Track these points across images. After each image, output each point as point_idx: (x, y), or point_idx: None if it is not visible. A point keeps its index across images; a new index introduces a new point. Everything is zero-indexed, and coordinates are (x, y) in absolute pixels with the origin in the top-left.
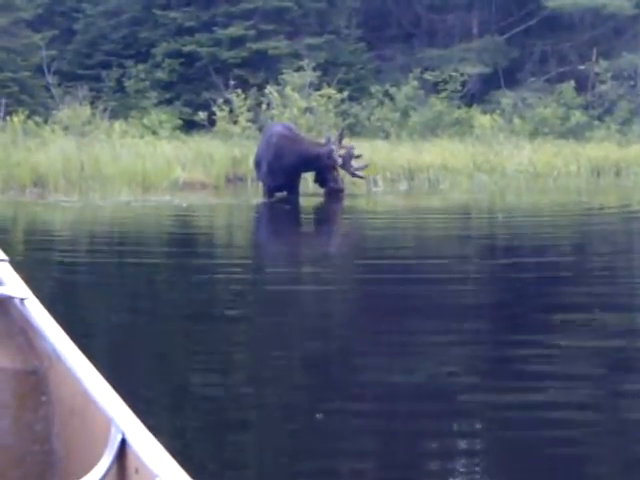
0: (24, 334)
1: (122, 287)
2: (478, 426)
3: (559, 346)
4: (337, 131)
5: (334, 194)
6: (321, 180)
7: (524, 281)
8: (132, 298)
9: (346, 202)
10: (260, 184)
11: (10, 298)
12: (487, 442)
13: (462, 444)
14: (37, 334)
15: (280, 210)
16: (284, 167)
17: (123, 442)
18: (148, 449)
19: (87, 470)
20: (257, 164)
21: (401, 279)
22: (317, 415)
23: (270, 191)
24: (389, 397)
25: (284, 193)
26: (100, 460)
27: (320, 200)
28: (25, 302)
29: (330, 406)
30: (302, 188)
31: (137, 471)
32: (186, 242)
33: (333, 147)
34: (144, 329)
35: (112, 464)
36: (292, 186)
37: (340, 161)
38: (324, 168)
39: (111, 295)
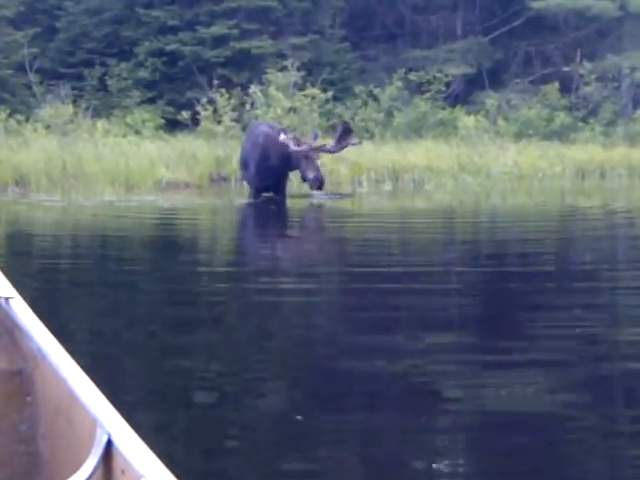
0: (9, 334)
1: (102, 290)
2: (466, 434)
3: (544, 352)
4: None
5: (311, 183)
6: (301, 176)
7: (507, 290)
8: (112, 301)
9: (331, 203)
10: (245, 184)
11: None
12: (475, 446)
13: (450, 449)
14: (22, 334)
15: (265, 211)
16: (271, 167)
17: (109, 443)
18: (134, 450)
19: (73, 471)
20: (243, 164)
21: (385, 289)
22: (297, 417)
23: (257, 192)
24: (374, 404)
25: (270, 194)
26: (86, 461)
27: (308, 201)
28: (10, 301)
29: (316, 411)
30: (289, 189)
31: (123, 472)
32: (169, 245)
33: (288, 143)
34: (125, 332)
35: (98, 465)
36: (279, 187)
37: (305, 149)
38: (297, 163)
39: (91, 298)
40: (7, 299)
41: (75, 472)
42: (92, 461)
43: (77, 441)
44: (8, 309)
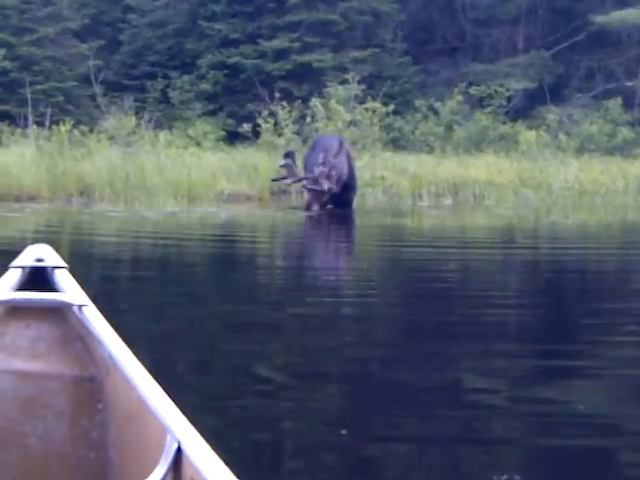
0: (82, 341)
1: (163, 302)
2: (518, 459)
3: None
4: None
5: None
6: None
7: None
8: (173, 315)
9: (391, 220)
10: (306, 194)
11: (69, 305)
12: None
13: (501, 470)
14: (95, 341)
15: (326, 225)
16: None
17: (179, 450)
18: (204, 458)
19: (142, 478)
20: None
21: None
22: (342, 431)
23: (324, 203)
24: (421, 422)
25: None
26: (155, 468)
27: (376, 216)
28: (84, 309)
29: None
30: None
31: None
32: (232, 257)
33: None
34: (185, 343)
35: (167, 472)
36: (344, 200)
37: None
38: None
39: (152, 309)
40: (80, 307)
41: (145, 479)
42: (162, 469)
43: (147, 448)
44: (81, 317)
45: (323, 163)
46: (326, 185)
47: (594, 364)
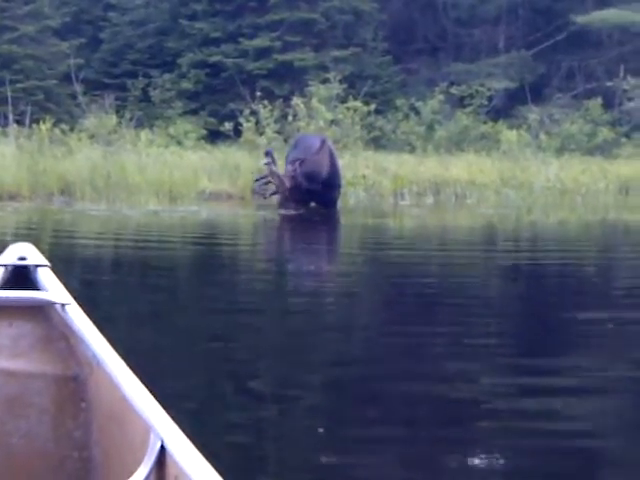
0: (65, 340)
1: (142, 302)
2: (498, 467)
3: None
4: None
5: None
6: None
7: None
8: (150, 319)
9: (372, 220)
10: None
11: (51, 303)
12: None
13: (482, 470)
14: (78, 340)
15: (306, 224)
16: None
17: (162, 449)
18: (187, 457)
19: (126, 477)
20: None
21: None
22: (319, 430)
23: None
24: (405, 419)
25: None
26: (139, 467)
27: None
28: (66, 308)
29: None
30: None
31: (176, 479)
32: (212, 260)
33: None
34: (171, 343)
35: (151, 471)
36: (328, 199)
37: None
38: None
39: (130, 311)
40: (63, 305)
41: (128, 478)
42: (145, 467)
43: (130, 447)
44: (64, 315)
45: (292, 161)
46: (280, 187)
47: (575, 376)
